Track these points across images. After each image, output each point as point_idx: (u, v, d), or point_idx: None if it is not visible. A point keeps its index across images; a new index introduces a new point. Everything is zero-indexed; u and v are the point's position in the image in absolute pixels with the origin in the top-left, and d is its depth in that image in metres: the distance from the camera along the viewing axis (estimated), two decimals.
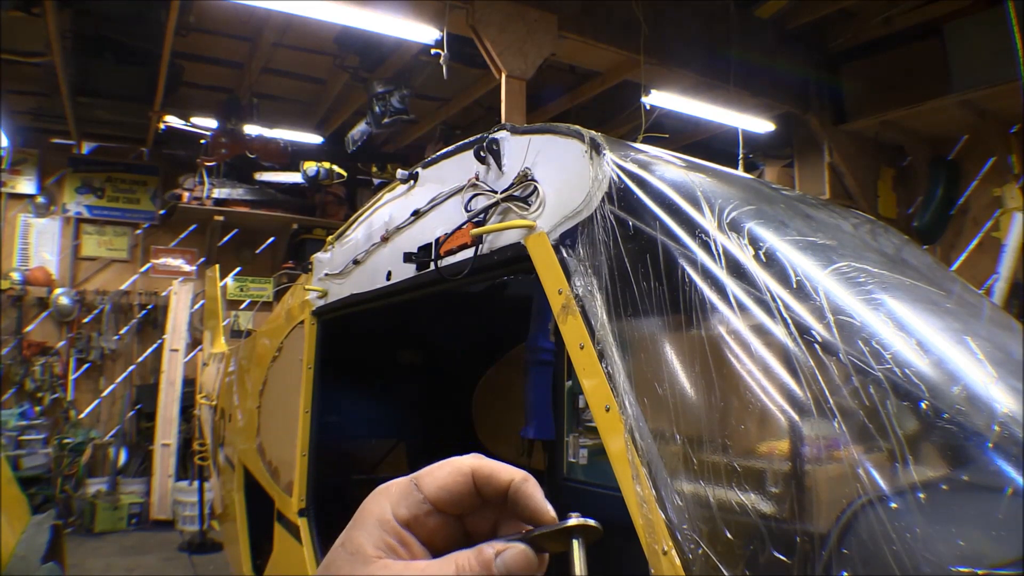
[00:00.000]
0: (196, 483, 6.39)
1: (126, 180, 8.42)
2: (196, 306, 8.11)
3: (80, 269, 8.17)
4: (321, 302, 2.59)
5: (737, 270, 1.13)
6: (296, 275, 3.49)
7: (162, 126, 7.18)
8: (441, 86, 6.30)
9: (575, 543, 0.47)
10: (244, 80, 7.03)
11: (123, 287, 8.31)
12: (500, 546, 0.46)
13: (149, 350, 8.33)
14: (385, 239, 2.09)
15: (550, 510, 0.49)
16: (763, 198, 1.46)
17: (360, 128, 6.85)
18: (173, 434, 7.55)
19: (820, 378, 1.00)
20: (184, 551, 6.65)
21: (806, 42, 6.38)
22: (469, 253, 1.60)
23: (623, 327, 1.19)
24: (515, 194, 1.47)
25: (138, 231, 8.45)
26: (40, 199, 8.00)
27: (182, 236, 8.66)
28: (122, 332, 8.18)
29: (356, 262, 2.31)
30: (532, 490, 0.49)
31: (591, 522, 0.47)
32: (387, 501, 0.49)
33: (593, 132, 1.39)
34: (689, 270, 1.14)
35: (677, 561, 0.97)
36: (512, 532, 0.50)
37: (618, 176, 1.28)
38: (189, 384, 7.62)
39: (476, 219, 1.58)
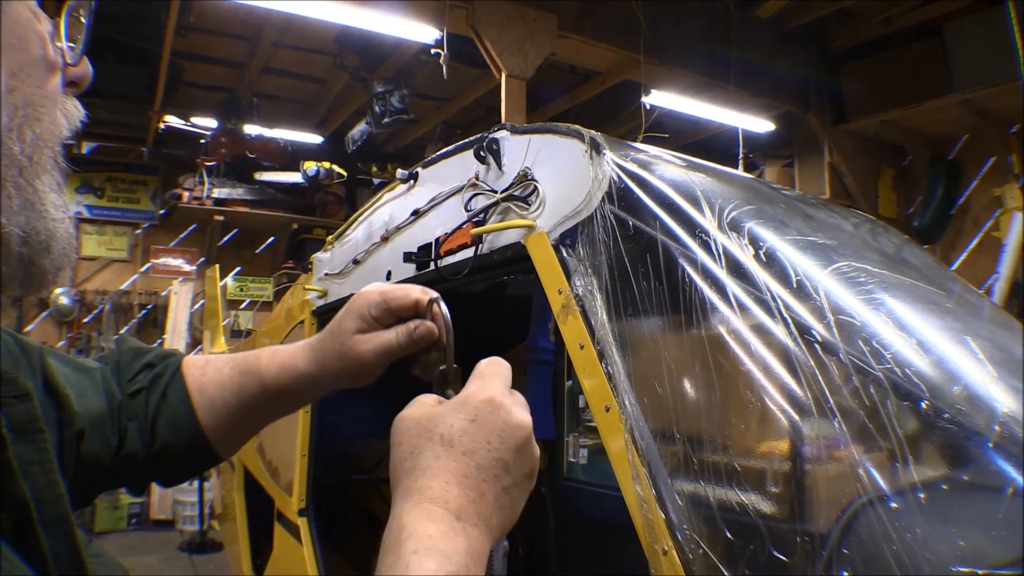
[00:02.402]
0: (196, 483, 6.38)
1: (126, 180, 8.41)
2: (196, 306, 8.09)
3: (80, 269, 8.15)
4: (321, 302, 2.59)
5: (737, 270, 1.13)
6: (296, 275, 3.49)
7: (162, 126, 7.17)
8: (441, 86, 6.29)
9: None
10: (244, 80, 7.03)
11: (123, 287, 8.30)
12: (417, 323, 0.83)
13: None
14: (385, 239, 2.09)
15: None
16: (763, 198, 1.46)
17: (360, 128, 6.84)
18: None
19: (820, 378, 1.00)
20: (184, 551, 6.65)
21: (806, 42, 6.37)
22: (469, 253, 1.60)
23: (623, 327, 1.19)
24: (515, 194, 1.47)
25: (138, 231, 8.44)
26: None
27: (182, 236, 8.64)
28: (122, 332, 8.17)
29: (356, 262, 2.31)
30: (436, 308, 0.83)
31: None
32: (366, 300, 0.84)
33: (593, 132, 1.39)
34: (689, 270, 1.14)
35: (677, 561, 0.97)
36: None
37: (618, 176, 1.28)
38: None
39: (476, 219, 1.58)
